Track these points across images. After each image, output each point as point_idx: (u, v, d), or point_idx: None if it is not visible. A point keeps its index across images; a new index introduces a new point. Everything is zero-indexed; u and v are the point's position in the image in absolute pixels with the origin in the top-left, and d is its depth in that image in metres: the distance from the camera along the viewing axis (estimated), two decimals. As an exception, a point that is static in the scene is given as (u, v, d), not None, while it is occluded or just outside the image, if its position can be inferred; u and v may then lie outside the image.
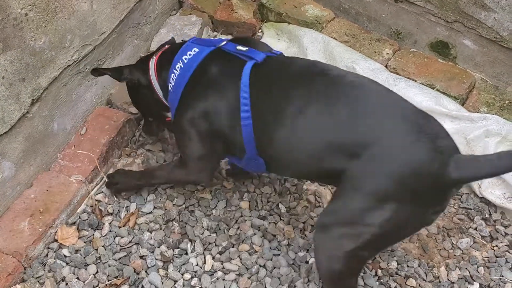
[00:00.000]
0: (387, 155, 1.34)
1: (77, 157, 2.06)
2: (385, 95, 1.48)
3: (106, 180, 2.04)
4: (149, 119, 2.10)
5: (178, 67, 1.72)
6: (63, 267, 1.82)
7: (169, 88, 1.76)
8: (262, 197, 2.06)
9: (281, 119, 1.48)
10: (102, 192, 2.04)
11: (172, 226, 1.95)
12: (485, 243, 2.01)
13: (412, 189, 1.33)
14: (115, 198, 2.01)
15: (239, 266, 1.83)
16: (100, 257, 1.85)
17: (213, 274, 1.82)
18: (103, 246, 1.88)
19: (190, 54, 1.72)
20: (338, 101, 1.44)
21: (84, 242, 1.89)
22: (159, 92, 1.84)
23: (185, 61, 1.72)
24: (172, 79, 1.74)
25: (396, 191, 1.34)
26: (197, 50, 1.73)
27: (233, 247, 1.90)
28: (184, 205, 2.02)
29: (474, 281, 1.87)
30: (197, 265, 1.84)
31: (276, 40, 2.64)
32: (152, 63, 1.84)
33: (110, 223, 1.95)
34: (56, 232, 1.89)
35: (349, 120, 1.40)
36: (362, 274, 1.84)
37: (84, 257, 1.84)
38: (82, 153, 2.07)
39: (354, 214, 1.38)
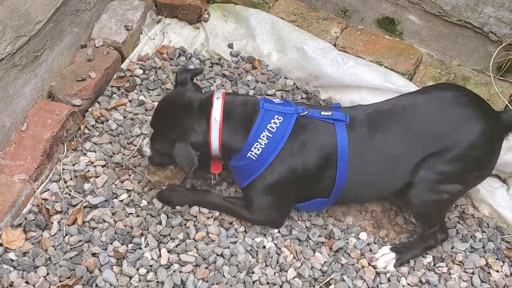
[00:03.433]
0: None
1: (19, 155, 1.96)
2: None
3: (157, 195, 1.97)
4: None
5: (264, 137, 1.74)
6: (10, 272, 1.74)
7: (249, 155, 1.75)
8: (221, 187, 2.05)
9: (371, 159, 1.79)
10: (49, 190, 1.96)
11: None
12: (437, 215, 2.05)
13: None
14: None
15: (195, 257, 1.80)
16: (50, 258, 1.78)
17: (169, 267, 1.78)
18: (52, 246, 1.81)
19: (275, 123, 1.76)
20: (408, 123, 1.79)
21: (32, 244, 1.81)
22: (215, 152, 1.78)
23: (273, 131, 1.75)
24: (256, 148, 1.74)
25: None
26: (281, 118, 1.77)
27: (189, 238, 1.86)
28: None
29: (427, 254, 1.92)
30: (152, 259, 1.80)
31: (223, 21, 2.57)
32: (216, 127, 1.74)
33: (58, 222, 1.87)
34: (0, 235, 1.80)
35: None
36: (319, 254, 1.86)
37: (33, 260, 1.77)
38: (24, 151, 1.97)
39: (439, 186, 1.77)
